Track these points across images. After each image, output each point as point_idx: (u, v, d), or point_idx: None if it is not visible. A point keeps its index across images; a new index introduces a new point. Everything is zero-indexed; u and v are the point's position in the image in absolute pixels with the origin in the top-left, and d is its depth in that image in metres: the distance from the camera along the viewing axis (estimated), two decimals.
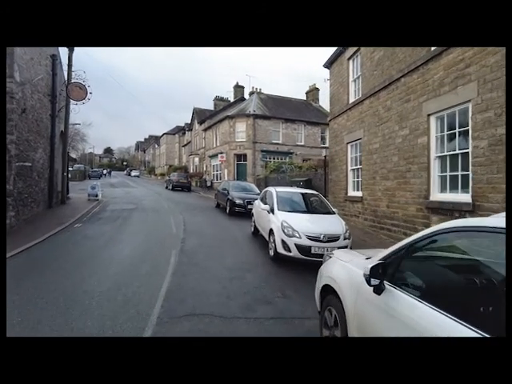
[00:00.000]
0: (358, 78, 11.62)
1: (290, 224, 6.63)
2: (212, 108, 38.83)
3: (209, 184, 31.02)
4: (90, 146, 72.48)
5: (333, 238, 6.39)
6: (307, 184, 14.64)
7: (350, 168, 11.97)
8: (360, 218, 10.92)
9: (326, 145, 28.87)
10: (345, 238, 6.52)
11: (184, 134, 50.28)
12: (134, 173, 63.09)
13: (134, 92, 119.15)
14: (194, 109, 40.72)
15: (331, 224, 6.88)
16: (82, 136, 62.03)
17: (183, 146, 50.00)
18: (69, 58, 15.26)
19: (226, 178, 26.72)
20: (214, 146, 31.56)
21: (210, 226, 11.41)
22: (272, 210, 7.57)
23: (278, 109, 28.64)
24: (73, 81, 14.60)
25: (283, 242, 6.56)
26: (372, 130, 10.28)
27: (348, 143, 12.03)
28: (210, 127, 33.09)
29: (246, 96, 34.17)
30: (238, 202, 13.29)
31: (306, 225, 6.68)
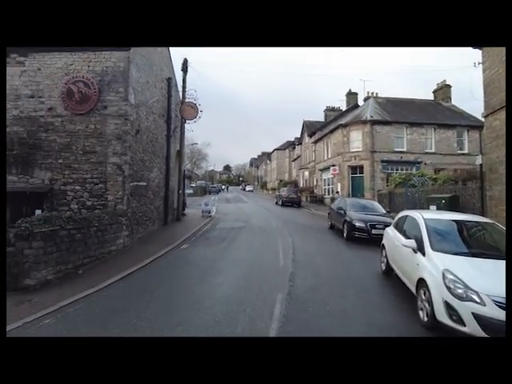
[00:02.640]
0: None
1: (459, 277, 4.08)
2: (322, 119, 36.85)
3: (320, 199, 28.83)
4: (211, 164, 79.12)
5: None
6: (452, 202, 11.02)
7: None
8: None
9: (465, 151, 23.44)
10: None
11: (294, 148, 49.60)
12: (248, 188, 65.66)
13: (249, 111, 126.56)
14: (304, 122, 39.45)
15: None
16: (204, 155, 68.24)
17: (293, 161, 49.27)
18: (183, 80, 15.67)
19: (340, 193, 24.11)
20: (325, 158, 29.35)
21: (325, 256, 9.29)
22: (421, 249, 5.01)
23: (400, 112, 24.71)
24: (186, 100, 14.78)
25: (448, 305, 4.05)
26: None
27: None
28: (320, 139, 31.10)
29: (360, 103, 31.03)
30: (358, 225, 10.75)
31: (489, 280, 3.98)
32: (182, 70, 15.66)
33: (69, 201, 9.70)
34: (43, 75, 9.81)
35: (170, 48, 14.46)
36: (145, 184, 11.65)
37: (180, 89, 15.56)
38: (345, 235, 11.38)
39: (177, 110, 14.85)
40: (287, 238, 11.73)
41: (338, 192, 23.88)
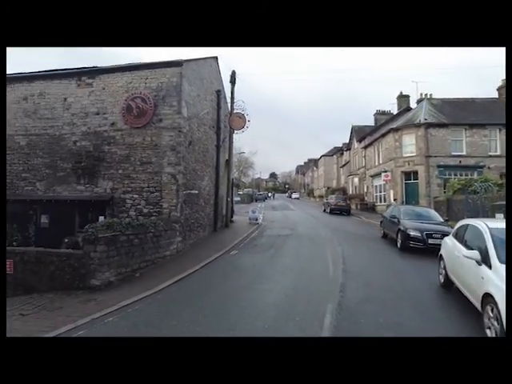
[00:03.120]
0: None
1: None
2: (372, 124, 35.55)
3: (371, 207, 27.71)
4: (258, 172, 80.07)
5: None
6: None
7: None
8: None
9: None
10: None
11: (342, 154, 48.39)
12: (294, 195, 65.18)
13: (294, 118, 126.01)
14: (353, 127, 38.39)
15: None
16: (250, 164, 69.21)
17: (341, 167, 48.05)
18: (231, 91, 16.17)
19: (392, 200, 22.97)
20: (376, 164, 28.21)
21: (378, 266, 8.89)
22: (486, 261, 4.59)
23: (458, 113, 22.98)
24: (234, 111, 15.20)
25: None
26: None
27: None
28: (370, 144, 30.02)
29: (413, 105, 29.47)
30: (413, 234, 10.12)
31: None
32: (231, 82, 16.18)
33: (128, 208, 10.43)
34: (107, 93, 10.75)
35: (220, 60, 15.04)
36: (196, 192, 12.14)
37: (229, 100, 16.07)
38: (399, 245, 10.78)
39: (226, 120, 15.32)
40: (336, 247, 11.43)
41: (395, 199, 22.66)
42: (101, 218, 9.99)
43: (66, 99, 11.02)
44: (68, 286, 7.24)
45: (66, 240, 9.54)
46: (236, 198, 35.14)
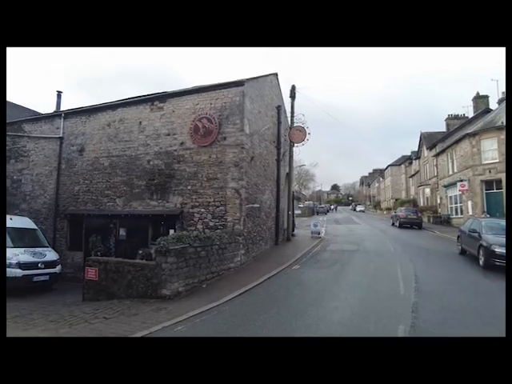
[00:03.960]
0: None
1: None
2: (444, 129, 32.73)
3: (445, 219, 25.25)
4: (318, 184, 78.58)
5: None
6: None
7: None
8: None
9: None
10: None
11: (410, 163, 45.25)
12: (358, 208, 62.43)
13: (356, 126, 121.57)
14: (422, 134, 35.78)
15: None
16: (311, 176, 68.41)
17: (410, 177, 44.86)
18: (291, 105, 16.30)
19: (471, 213, 20.67)
20: (450, 172, 25.79)
21: (456, 286, 7.98)
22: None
23: None
24: (294, 125, 15.27)
25: None
26: None
27: None
28: (442, 151, 27.61)
29: (493, 106, 26.49)
30: (498, 251, 8.83)
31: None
32: (291, 97, 16.34)
33: (195, 222, 10.98)
34: (176, 115, 11.62)
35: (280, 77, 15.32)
36: (258, 206, 12.34)
37: (289, 114, 16.22)
38: (481, 263, 9.57)
39: (286, 134, 15.46)
40: (408, 263, 10.60)
41: (484, 212, 20.19)
42: (171, 231, 10.66)
43: (140, 123, 12.15)
44: (142, 294, 7.78)
45: (141, 251, 10.33)
46: (297, 212, 34.89)
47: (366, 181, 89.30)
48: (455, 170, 24.81)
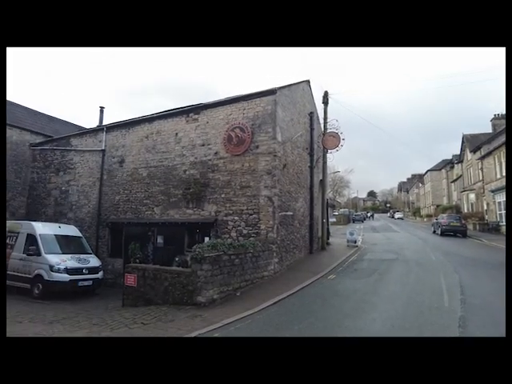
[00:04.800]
0: None
1: None
2: (489, 131, 30.72)
3: (494, 227, 23.49)
4: (354, 190, 76.62)
5: None
6: None
7: None
8: None
9: None
10: None
11: (452, 167, 42.86)
12: (397, 215, 60.02)
13: (394, 130, 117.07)
14: (464, 136, 33.81)
15: None
16: (346, 183, 66.92)
17: (452, 182, 42.43)
18: (324, 111, 16.11)
19: None
20: (498, 176, 24.06)
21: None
22: None
23: None
24: (327, 131, 15.05)
25: None
26: None
27: None
28: (489, 154, 25.88)
29: None
30: None
31: None
32: (323, 103, 16.17)
33: (229, 229, 11.08)
34: (210, 126, 11.89)
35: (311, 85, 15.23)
36: (291, 214, 12.23)
37: (321, 120, 16.04)
38: None
39: (319, 141, 15.28)
40: (452, 274, 9.94)
41: None
42: (206, 239, 10.84)
43: (177, 134, 12.56)
44: (178, 301, 7.93)
45: (177, 259, 10.59)
46: (331, 219, 34.19)
47: (404, 187, 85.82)
48: (503, 174, 23.10)
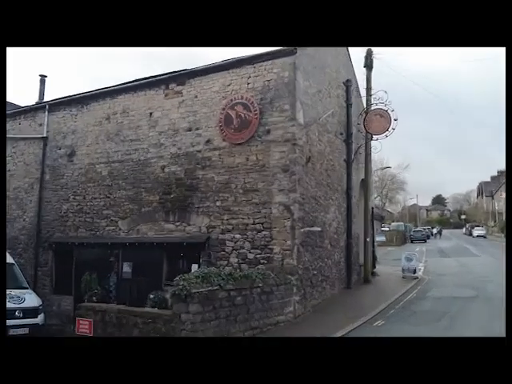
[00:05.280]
0: None
1: None
2: None
3: None
4: (412, 195, 76.05)
5: None
6: None
7: None
8: None
9: None
10: None
11: None
12: (476, 231, 59.45)
13: (471, 112, 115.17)
14: None
15: None
16: (399, 184, 66.41)
17: None
18: (367, 79, 16.15)
19: None
20: None
21: None
22: None
23: None
24: (372, 108, 15.08)
25: None
26: None
27: None
28: None
29: None
30: None
31: None
32: (366, 67, 16.18)
33: (227, 253, 11.20)
34: (200, 103, 12.07)
35: None
36: (319, 229, 12.28)
37: (363, 93, 16.10)
38: None
39: (360, 122, 15.25)
40: None
41: None
42: (194, 267, 10.96)
43: (151, 114, 12.79)
44: None
45: (152, 296, 10.62)
46: (379, 238, 33.96)
47: (486, 189, 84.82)
48: None
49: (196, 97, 12.17)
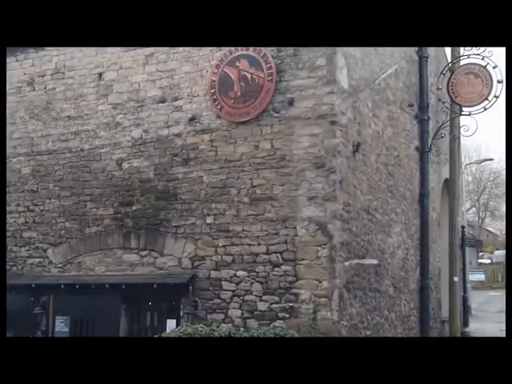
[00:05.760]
0: None
1: None
2: None
3: None
4: None
5: None
6: None
7: None
8: None
9: None
10: None
11: None
12: None
13: None
14: None
15: None
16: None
17: None
18: None
19: None
20: None
21: None
22: None
23: None
24: (462, 63, 14.44)
25: None
26: None
27: None
28: None
29: None
30: None
31: None
32: None
33: (225, 300, 10.65)
34: (180, 56, 11.53)
35: None
36: (375, 263, 11.72)
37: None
38: None
39: (440, 86, 14.51)
40: None
41: None
42: (170, 323, 10.69)
43: (101, 75, 12.35)
44: None
45: None
46: (475, 276, 33.33)
47: None
48: None
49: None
